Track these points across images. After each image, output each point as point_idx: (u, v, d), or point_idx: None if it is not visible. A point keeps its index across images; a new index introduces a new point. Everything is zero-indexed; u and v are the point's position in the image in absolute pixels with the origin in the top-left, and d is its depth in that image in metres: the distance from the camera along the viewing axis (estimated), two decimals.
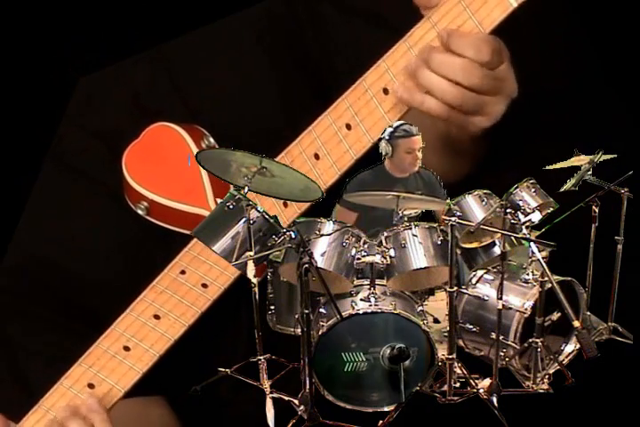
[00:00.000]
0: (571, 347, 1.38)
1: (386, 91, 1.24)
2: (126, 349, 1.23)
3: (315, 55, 1.54)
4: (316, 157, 1.29)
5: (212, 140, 1.41)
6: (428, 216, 1.38)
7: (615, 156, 1.32)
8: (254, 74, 1.54)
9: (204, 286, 1.29)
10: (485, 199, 1.30)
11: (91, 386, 1.19)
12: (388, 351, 1.28)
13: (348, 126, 1.26)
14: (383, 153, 1.33)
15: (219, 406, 1.41)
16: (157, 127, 1.41)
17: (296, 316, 1.33)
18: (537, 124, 1.57)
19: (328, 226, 1.28)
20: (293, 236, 1.21)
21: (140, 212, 1.39)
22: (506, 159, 1.51)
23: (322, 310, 1.32)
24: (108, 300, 1.39)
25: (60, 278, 1.49)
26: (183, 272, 1.30)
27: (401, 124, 1.31)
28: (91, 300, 1.47)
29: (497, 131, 1.40)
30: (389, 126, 1.31)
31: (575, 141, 1.50)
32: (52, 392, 1.19)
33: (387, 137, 1.31)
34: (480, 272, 1.38)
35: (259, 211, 1.22)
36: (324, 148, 1.28)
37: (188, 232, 1.35)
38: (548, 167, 1.33)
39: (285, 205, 1.33)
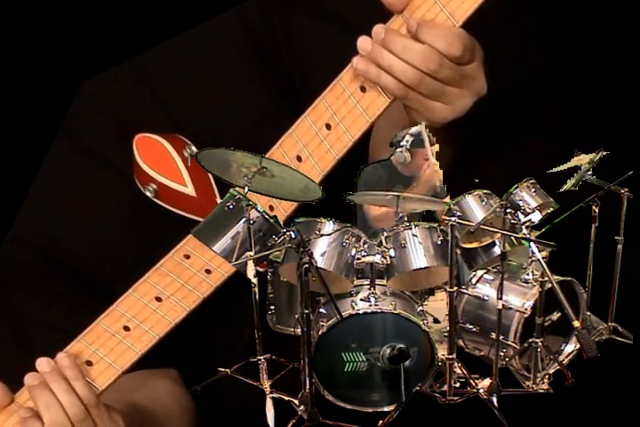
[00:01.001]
0: (571, 347, 1.38)
1: (363, 89, 1.25)
2: (126, 329, 1.22)
3: (287, 60, 1.54)
4: (299, 159, 1.30)
5: (194, 148, 1.42)
6: (429, 216, 1.39)
7: (605, 153, 1.32)
8: (231, 80, 1.54)
9: (208, 271, 1.29)
10: (485, 199, 1.31)
11: (89, 363, 1.19)
12: (388, 351, 1.28)
13: (328, 126, 1.26)
14: (400, 160, 1.33)
15: (219, 406, 1.40)
16: (140, 138, 1.42)
17: (296, 316, 1.33)
18: (530, 122, 1.57)
19: (328, 226, 1.28)
20: (293, 236, 1.21)
21: (148, 194, 1.39)
22: (500, 157, 1.52)
23: (322, 310, 1.32)
24: (116, 276, 1.39)
25: (66, 253, 1.49)
26: (187, 257, 1.29)
27: (420, 133, 1.32)
28: (98, 275, 1.47)
29: (490, 128, 1.41)
30: (408, 134, 1.31)
31: (564, 136, 1.51)
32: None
33: (407, 146, 1.32)
34: (480, 272, 1.38)
35: (259, 211, 1.22)
36: (306, 149, 1.28)
37: (193, 217, 1.35)
38: (552, 170, 1.34)
39: (271, 208, 1.33)
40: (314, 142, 1.27)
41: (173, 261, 1.29)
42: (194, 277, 1.28)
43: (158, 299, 1.25)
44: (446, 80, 1.19)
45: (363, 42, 1.20)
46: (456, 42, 1.17)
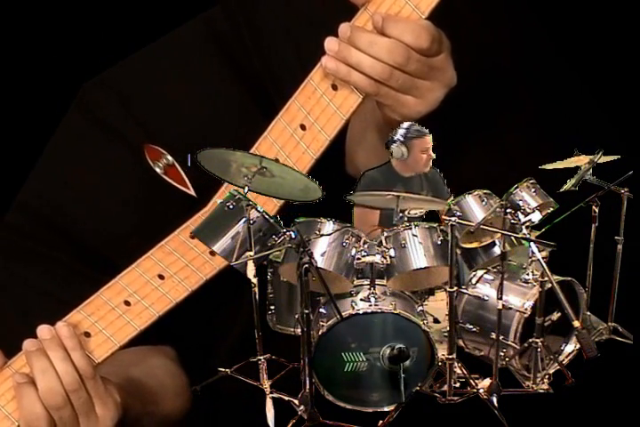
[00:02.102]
0: (571, 347, 1.39)
1: (335, 87, 1.24)
2: (127, 303, 1.22)
3: (257, 63, 1.53)
4: (277, 161, 1.29)
5: (169, 157, 1.41)
6: (431, 216, 1.39)
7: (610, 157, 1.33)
8: (203, 87, 1.53)
9: (212, 253, 1.28)
10: (485, 199, 1.31)
11: (87, 334, 1.19)
12: (388, 351, 1.28)
13: (303, 127, 1.26)
14: (397, 156, 1.33)
15: (219, 406, 1.40)
16: None
17: (296, 316, 1.33)
18: (519, 118, 1.57)
19: (328, 226, 1.28)
20: (293, 236, 1.21)
21: (157, 170, 1.39)
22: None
23: (322, 310, 1.32)
24: (119, 250, 1.39)
25: (71, 223, 1.48)
26: (193, 237, 1.29)
27: (411, 125, 1.32)
28: (101, 248, 1.47)
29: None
30: (400, 128, 1.31)
31: (559, 134, 1.51)
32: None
33: (401, 139, 1.32)
34: (480, 272, 1.38)
35: (259, 211, 1.22)
36: (283, 151, 1.27)
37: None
38: (544, 166, 1.34)
39: None
40: (290, 144, 1.26)
41: (178, 240, 1.28)
42: (198, 258, 1.27)
43: (161, 277, 1.25)
44: (415, 73, 1.19)
45: (329, 43, 1.20)
46: (423, 34, 1.17)
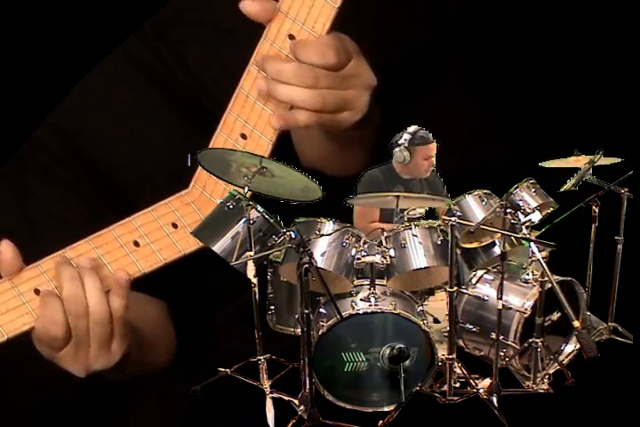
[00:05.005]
0: (571, 347, 1.39)
1: None
2: (136, 244, 1.21)
3: (188, 83, 1.52)
4: None
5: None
6: (432, 216, 1.39)
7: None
8: (139, 118, 1.52)
9: None
10: (485, 199, 1.31)
11: None
12: (388, 351, 1.28)
13: (244, 136, 1.25)
14: (399, 160, 1.33)
15: (219, 406, 1.40)
16: None
17: (296, 316, 1.34)
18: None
19: (328, 226, 1.28)
20: (293, 236, 1.21)
21: None
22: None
23: (322, 310, 1.32)
24: (140, 193, 1.38)
25: (100, 156, 1.47)
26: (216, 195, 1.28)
27: (417, 131, 1.32)
28: (123, 186, 1.45)
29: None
30: (406, 133, 1.32)
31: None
32: (53, 257, 1.19)
33: (405, 144, 1.32)
34: (480, 272, 1.38)
35: (259, 211, 1.22)
36: None
37: None
38: (543, 164, 1.34)
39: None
40: None
41: (198, 193, 1.28)
42: None
43: (174, 225, 1.24)
44: (333, 87, 1.19)
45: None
46: (327, 51, 1.16)
